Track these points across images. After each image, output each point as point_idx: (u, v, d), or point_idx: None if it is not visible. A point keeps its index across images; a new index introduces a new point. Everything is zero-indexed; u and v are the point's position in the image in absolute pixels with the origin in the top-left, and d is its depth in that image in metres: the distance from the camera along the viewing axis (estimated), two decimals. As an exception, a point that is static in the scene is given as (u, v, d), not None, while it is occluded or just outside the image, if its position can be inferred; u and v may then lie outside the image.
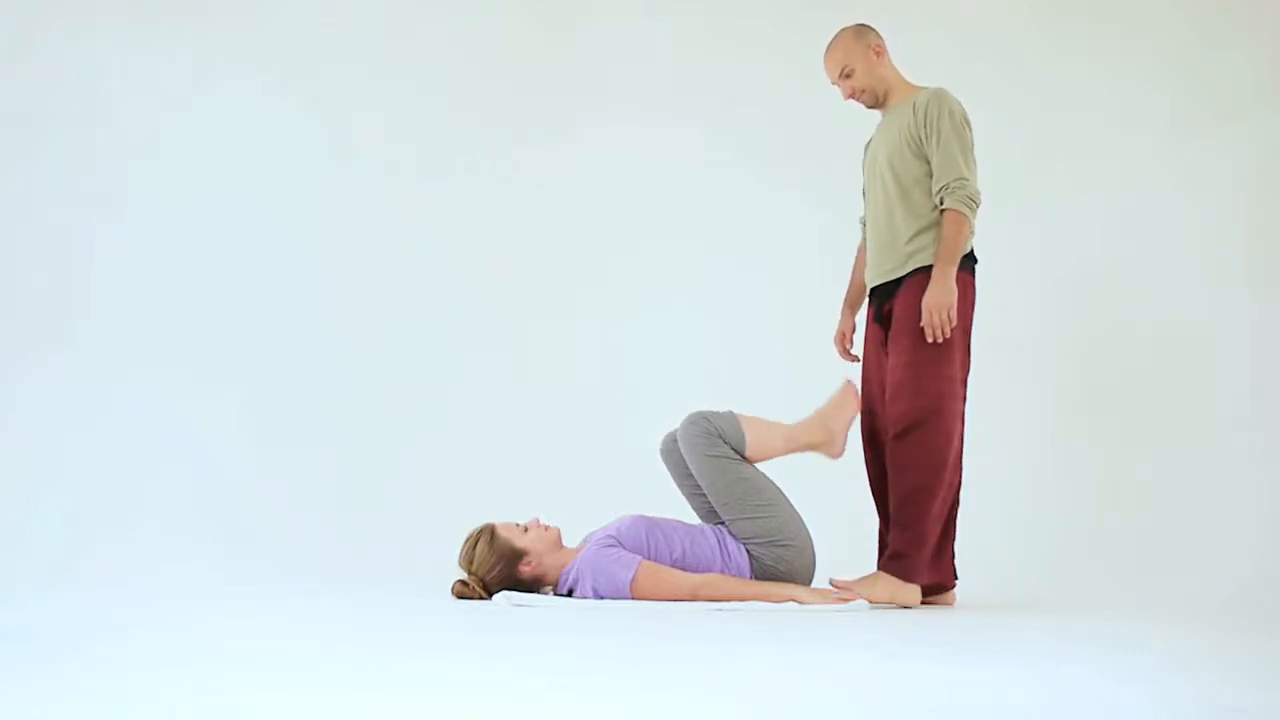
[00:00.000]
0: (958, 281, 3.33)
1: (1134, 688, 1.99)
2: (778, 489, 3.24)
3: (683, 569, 3.13)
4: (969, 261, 3.41)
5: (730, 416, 3.26)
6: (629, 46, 4.93)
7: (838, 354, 3.66)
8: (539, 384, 4.67)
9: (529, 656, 2.24)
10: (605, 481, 3.60)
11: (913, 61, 5.00)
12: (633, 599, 3.09)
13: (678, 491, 3.40)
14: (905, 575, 3.28)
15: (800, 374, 3.92)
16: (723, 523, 3.30)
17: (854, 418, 3.37)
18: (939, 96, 3.36)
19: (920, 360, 3.27)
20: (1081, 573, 4.05)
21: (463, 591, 3.17)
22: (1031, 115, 4.88)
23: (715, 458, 3.21)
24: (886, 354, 3.42)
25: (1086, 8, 4.93)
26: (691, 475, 3.30)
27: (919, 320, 3.28)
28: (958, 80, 4.93)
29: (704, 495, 3.29)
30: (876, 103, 3.57)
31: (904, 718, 1.78)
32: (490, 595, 3.15)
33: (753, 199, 4.81)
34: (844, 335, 3.67)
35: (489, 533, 3.18)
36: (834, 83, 3.58)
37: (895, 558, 3.29)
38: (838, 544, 3.67)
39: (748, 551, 3.17)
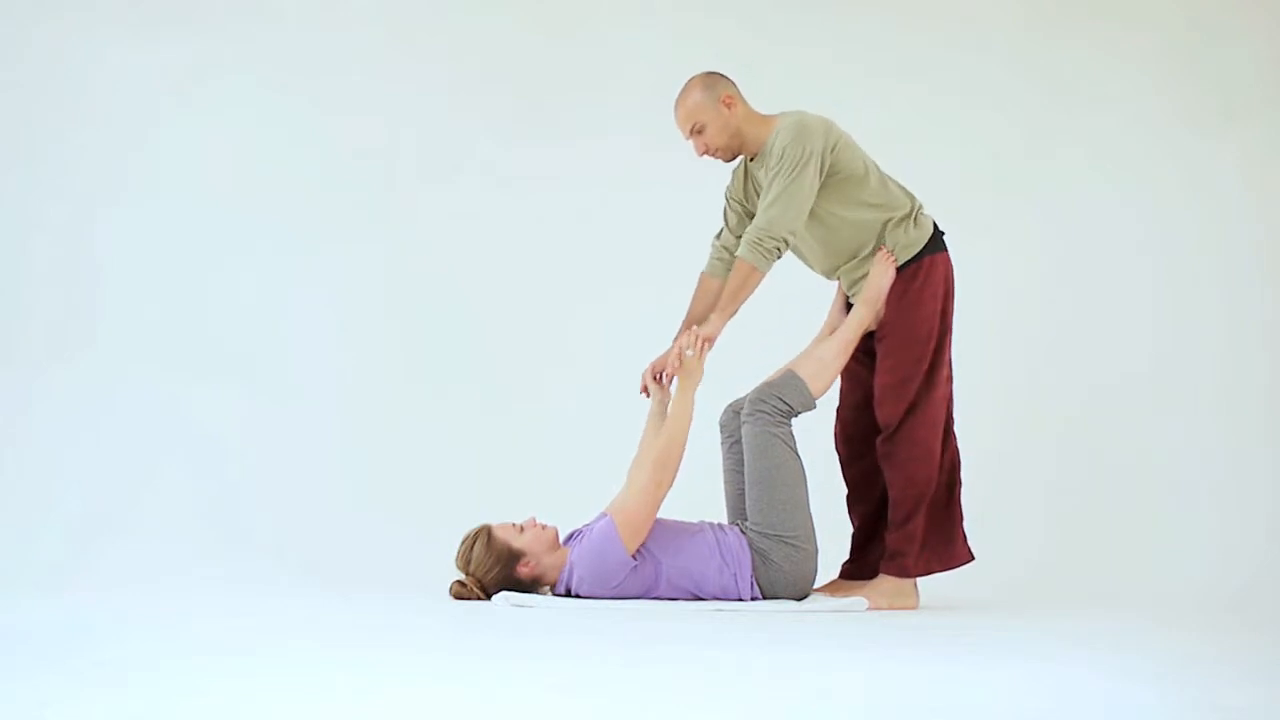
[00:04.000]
0: (932, 269, 3.30)
1: (1134, 688, 1.99)
2: (806, 493, 3.23)
3: (679, 568, 3.13)
4: (939, 244, 3.36)
5: (791, 378, 3.26)
6: (629, 47, 4.92)
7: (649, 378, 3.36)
8: (538, 384, 4.66)
9: (529, 657, 2.24)
10: (605, 481, 3.59)
11: (914, 60, 5.01)
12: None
13: (676, 491, 3.38)
14: (900, 572, 3.28)
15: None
16: (736, 515, 3.30)
17: (891, 276, 3.30)
18: (780, 138, 3.22)
19: (904, 363, 3.26)
20: (1081, 573, 4.04)
21: (461, 592, 3.17)
22: (1033, 114, 4.87)
23: (772, 435, 3.20)
24: (860, 356, 3.42)
25: (1088, 6, 4.93)
26: (738, 450, 3.31)
27: (901, 324, 3.27)
28: (959, 78, 4.96)
29: (742, 473, 3.30)
30: (734, 156, 3.34)
31: (904, 718, 1.78)
32: (489, 596, 3.15)
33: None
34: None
35: (485, 534, 3.18)
36: (685, 138, 3.34)
37: (894, 557, 3.29)
38: (837, 546, 3.66)
39: (750, 548, 3.16)
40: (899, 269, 3.32)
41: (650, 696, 1.89)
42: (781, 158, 3.19)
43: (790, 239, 3.20)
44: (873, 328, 3.36)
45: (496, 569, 3.14)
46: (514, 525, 3.20)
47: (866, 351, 3.41)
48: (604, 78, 4.89)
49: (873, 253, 3.34)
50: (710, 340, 3.21)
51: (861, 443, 3.45)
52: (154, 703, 1.79)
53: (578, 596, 3.13)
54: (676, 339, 3.28)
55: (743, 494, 3.29)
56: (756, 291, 3.28)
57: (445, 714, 1.76)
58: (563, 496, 3.49)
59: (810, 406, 3.28)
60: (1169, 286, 4.73)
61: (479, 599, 3.14)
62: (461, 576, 3.19)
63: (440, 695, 1.87)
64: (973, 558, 3.39)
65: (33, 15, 4.69)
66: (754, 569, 3.15)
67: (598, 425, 4.30)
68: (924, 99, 4.87)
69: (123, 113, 4.71)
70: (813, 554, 3.19)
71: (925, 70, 4.92)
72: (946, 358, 3.35)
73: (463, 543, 3.20)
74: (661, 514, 3.24)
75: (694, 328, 3.23)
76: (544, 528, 3.21)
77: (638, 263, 4.71)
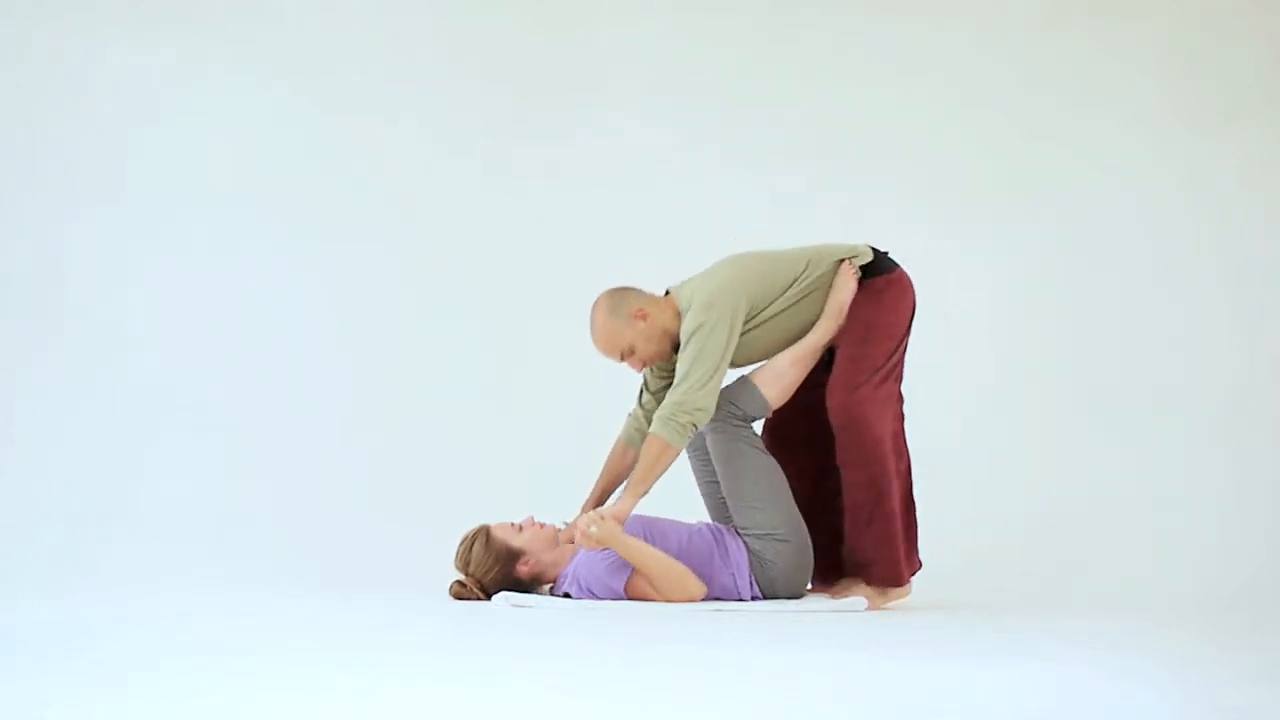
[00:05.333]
0: (900, 281, 3.27)
1: (1134, 688, 1.99)
2: (785, 486, 3.23)
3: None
4: (889, 263, 3.30)
5: (744, 384, 3.25)
6: (628, 47, 4.92)
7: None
8: (537, 383, 4.66)
9: (529, 657, 2.24)
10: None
11: (914, 59, 5.01)
12: (629, 599, 3.09)
13: (674, 490, 3.39)
14: (887, 582, 3.24)
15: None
16: (722, 522, 3.29)
17: (854, 289, 3.26)
18: (689, 319, 3.16)
19: (865, 356, 3.20)
20: (1080, 573, 4.04)
21: (460, 592, 3.17)
22: (1033, 113, 4.87)
23: (734, 440, 3.21)
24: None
25: (1088, 5, 4.93)
26: (707, 459, 3.30)
27: (872, 323, 3.21)
28: (959, 77, 4.96)
29: (719, 484, 3.29)
30: (676, 348, 3.22)
31: (904, 718, 1.78)
32: (489, 596, 3.15)
33: (753, 199, 4.81)
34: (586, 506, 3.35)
35: (484, 534, 3.18)
36: (618, 363, 3.29)
37: (865, 566, 3.24)
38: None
39: (746, 548, 3.16)
40: (867, 279, 3.27)
41: (650, 696, 1.89)
42: (691, 336, 3.13)
43: (704, 415, 3.09)
44: (834, 340, 3.29)
45: (496, 569, 3.14)
46: (512, 525, 3.20)
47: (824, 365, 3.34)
48: (604, 77, 4.89)
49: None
50: (619, 520, 3.06)
51: (794, 441, 3.38)
52: (154, 703, 1.79)
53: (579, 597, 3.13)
54: (578, 518, 3.11)
55: (723, 503, 3.28)
56: None
57: (445, 714, 1.76)
58: (562, 496, 3.48)
59: (765, 413, 3.26)
60: (1169, 286, 4.73)
61: (479, 599, 3.14)
62: (461, 577, 3.19)
63: (440, 695, 1.87)
64: (921, 565, 3.35)
65: (33, 15, 4.69)
66: (752, 568, 3.15)
67: (597, 425, 4.29)
68: (924, 98, 4.87)
69: (122, 112, 4.71)
70: (803, 544, 3.19)
71: (925, 69, 4.91)
72: (901, 369, 3.30)
73: (461, 543, 3.20)
74: (659, 514, 3.24)
75: (594, 511, 3.06)
76: (542, 526, 3.21)
77: (638, 262, 4.69)
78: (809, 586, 3.31)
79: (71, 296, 4.58)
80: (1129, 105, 4.84)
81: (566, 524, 3.24)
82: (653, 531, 3.17)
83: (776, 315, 3.25)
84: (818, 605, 3.16)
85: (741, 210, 4.74)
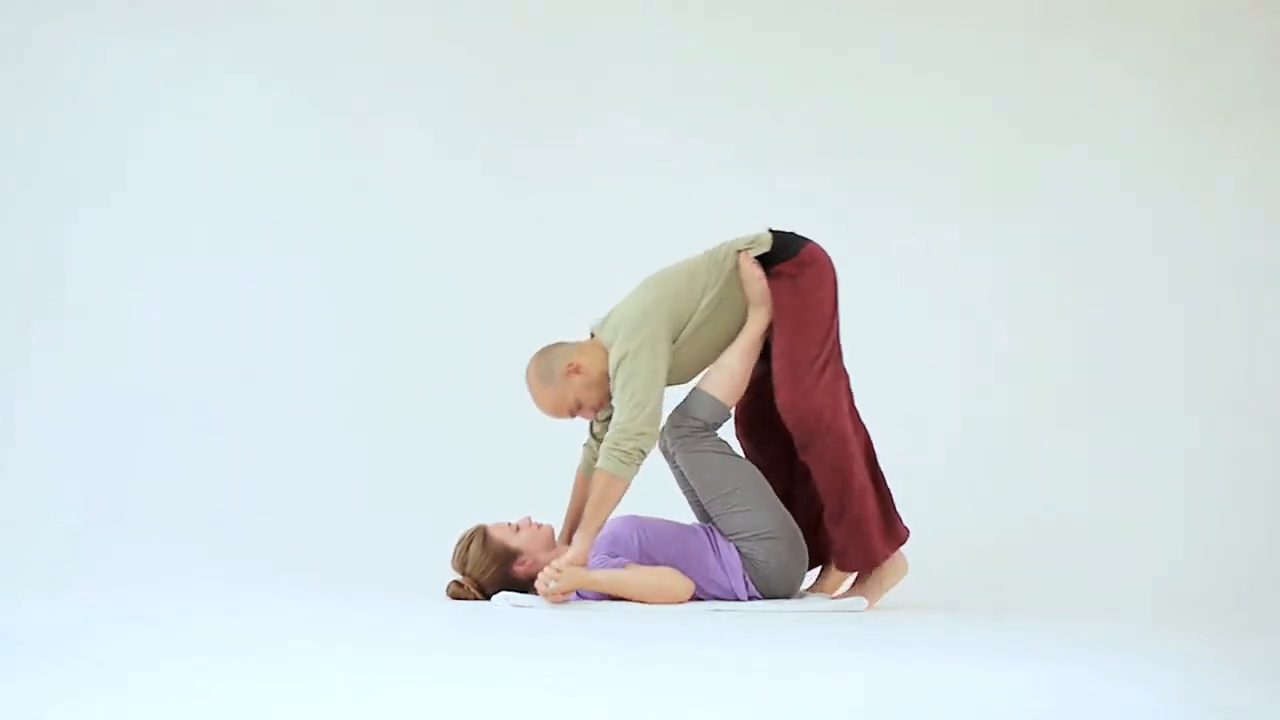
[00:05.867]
0: (815, 255, 3.24)
1: (1134, 688, 1.99)
2: (763, 484, 3.22)
3: (677, 568, 3.13)
4: (796, 242, 3.27)
5: (695, 394, 3.24)
6: (628, 47, 4.92)
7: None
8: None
9: (529, 657, 2.24)
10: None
11: (914, 58, 5.01)
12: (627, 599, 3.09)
13: (670, 490, 3.39)
14: (863, 565, 3.24)
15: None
16: (714, 525, 3.29)
17: (760, 275, 3.22)
18: (613, 353, 3.16)
19: (801, 344, 3.18)
20: (1080, 574, 4.04)
21: (458, 593, 3.17)
22: (1034, 113, 4.87)
23: (699, 453, 3.20)
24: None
25: (1089, 5, 4.93)
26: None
27: (797, 307, 3.19)
28: (960, 77, 4.96)
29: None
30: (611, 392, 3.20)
31: (904, 718, 1.78)
32: (486, 596, 3.15)
33: (753, 199, 4.81)
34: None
35: (481, 534, 3.18)
36: (573, 418, 3.30)
37: (841, 555, 3.24)
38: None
39: (737, 549, 3.16)
40: (777, 265, 3.24)
41: (650, 696, 1.89)
42: (618, 367, 3.12)
43: (648, 439, 3.06)
44: (767, 318, 3.26)
45: (493, 569, 3.14)
46: (509, 525, 3.21)
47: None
48: (604, 77, 4.89)
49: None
50: (579, 563, 3.04)
51: (762, 429, 3.38)
52: (154, 703, 1.79)
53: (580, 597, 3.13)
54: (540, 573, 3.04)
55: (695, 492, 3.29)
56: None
57: (445, 714, 1.76)
58: (560, 496, 3.49)
59: (724, 416, 3.25)
60: (1169, 286, 4.73)
61: (476, 599, 3.15)
62: (458, 577, 3.19)
63: (440, 695, 1.87)
64: (909, 533, 3.31)
65: (33, 15, 4.69)
66: (745, 569, 3.15)
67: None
68: (924, 98, 4.87)
69: (122, 112, 4.71)
70: (792, 540, 3.18)
71: (925, 69, 4.91)
72: (839, 348, 3.29)
73: (458, 544, 3.20)
74: (659, 515, 3.25)
75: (549, 567, 3.00)
76: (539, 526, 3.22)
77: (638, 262, 4.69)
78: (805, 587, 3.31)
79: (71, 296, 4.59)
80: (1129, 105, 4.84)
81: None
82: (646, 531, 3.17)
83: (702, 325, 3.23)
84: (817, 605, 3.16)
85: (741, 210, 4.73)
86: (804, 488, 3.36)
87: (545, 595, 3.00)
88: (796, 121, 4.87)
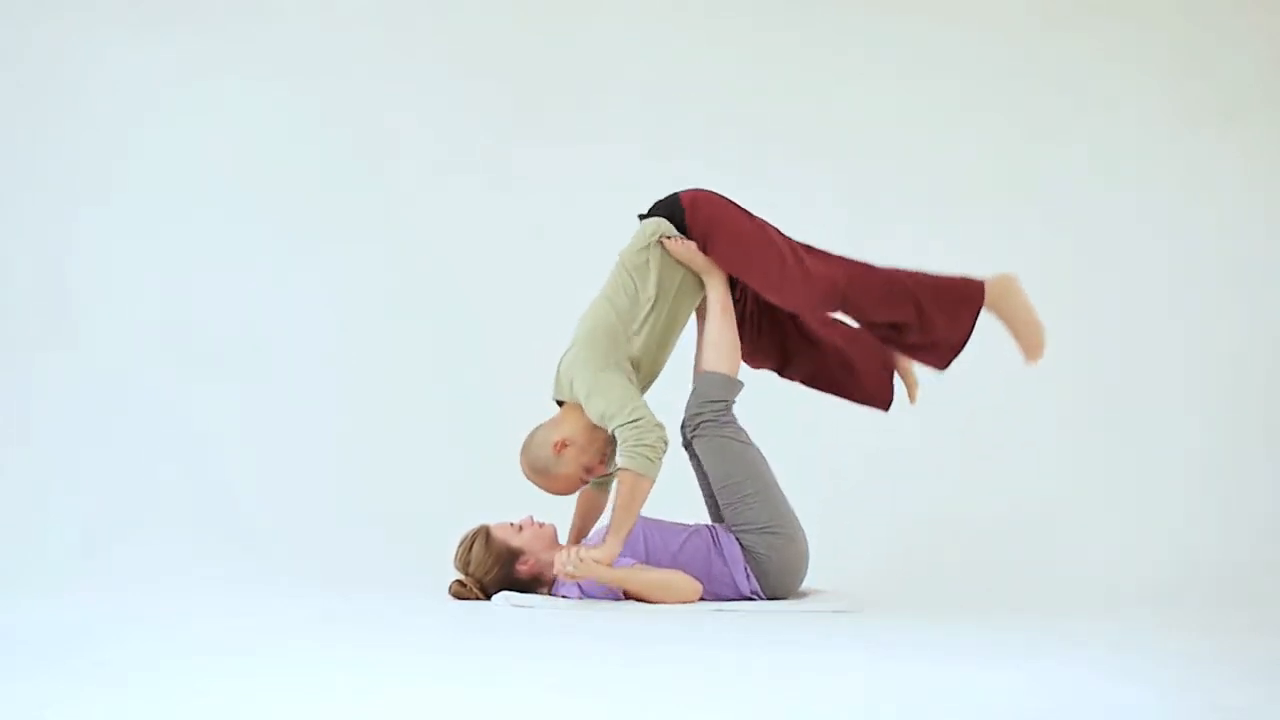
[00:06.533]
0: (694, 201, 3.28)
1: (1134, 688, 1.99)
2: (774, 480, 3.23)
3: (679, 568, 3.13)
4: (676, 207, 3.29)
5: (701, 378, 3.26)
6: (628, 48, 4.92)
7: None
8: (537, 384, 4.65)
9: (529, 657, 2.24)
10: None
11: (914, 58, 5.00)
12: (628, 599, 3.09)
13: (674, 490, 3.39)
14: (971, 315, 3.42)
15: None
16: (718, 521, 3.29)
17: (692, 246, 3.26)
18: (581, 398, 3.15)
19: (758, 263, 3.24)
20: (1079, 573, 4.04)
21: (460, 592, 3.17)
22: (1033, 113, 4.87)
23: (719, 439, 3.21)
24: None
25: (1089, 5, 4.93)
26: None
27: (726, 251, 3.23)
28: (960, 77, 4.95)
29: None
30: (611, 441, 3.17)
31: (904, 718, 1.78)
32: (489, 596, 3.15)
33: (752, 200, 4.79)
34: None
35: (484, 534, 3.18)
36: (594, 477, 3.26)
37: (939, 344, 3.44)
38: (838, 546, 3.66)
39: (739, 543, 3.16)
40: (681, 229, 3.27)
41: (650, 696, 1.89)
42: (588, 401, 3.11)
43: (661, 433, 3.05)
44: (724, 279, 3.30)
45: (496, 569, 3.14)
46: (511, 524, 3.21)
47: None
48: (604, 78, 4.89)
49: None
50: (607, 563, 3.02)
51: (779, 346, 3.44)
52: (154, 703, 1.79)
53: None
54: (559, 553, 3.08)
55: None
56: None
57: (445, 714, 1.77)
58: (560, 496, 3.48)
59: (738, 386, 3.27)
60: (1170, 286, 4.73)
61: (479, 599, 3.15)
62: (461, 577, 3.19)
63: (440, 695, 1.87)
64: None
65: (33, 15, 4.69)
66: (748, 565, 3.16)
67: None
68: (924, 98, 4.87)
69: (122, 112, 4.70)
70: (797, 536, 3.19)
71: (925, 69, 4.91)
72: (782, 236, 3.31)
73: (461, 544, 3.20)
74: (660, 515, 3.25)
75: (573, 549, 3.02)
76: (541, 526, 3.22)
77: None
78: (801, 588, 3.31)
79: (71, 296, 4.58)
80: (1129, 105, 4.84)
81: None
82: (653, 532, 3.18)
83: (656, 325, 3.24)
84: (818, 605, 3.16)
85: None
86: (812, 348, 3.44)
87: (560, 572, 3.02)
88: (796, 121, 4.87)
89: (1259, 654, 2.57)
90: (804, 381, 3.52)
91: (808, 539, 3.25)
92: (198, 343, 4.57)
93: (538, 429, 3.25)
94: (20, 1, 4.69)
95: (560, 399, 3.29)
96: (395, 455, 4.49)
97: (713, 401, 3.23)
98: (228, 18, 4.79)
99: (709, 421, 3.23)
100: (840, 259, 3.36)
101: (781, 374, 3.51)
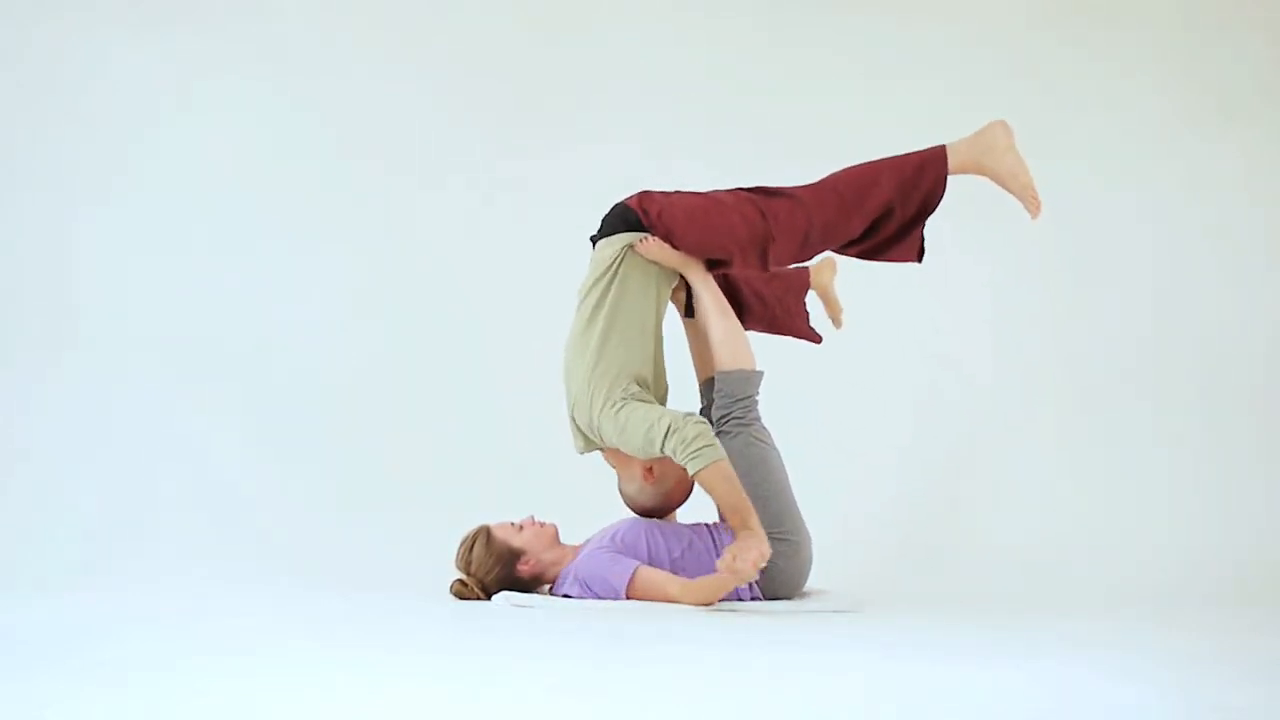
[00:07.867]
0: (643, 198, 3.31)
1: (1134, 688, 1.99)
2: (787, 483, 3.24)
3: (680, 571, 3.13)
4: (629, 214, 3.31)
5: (724, 379, 3.28)
6: (628, 48, 4.92)
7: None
8: (536, 384, 4.66)
9: (529, 657, 2.24)
10: (603, 479, 3.59)
11: (913, 59, 5.01)
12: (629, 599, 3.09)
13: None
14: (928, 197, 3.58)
15: (793, 370, 3.91)
16: (717, 523, 3.29)
17: (662, 244, 3.29)
18: (608, 437, 3.16)
19: (729, 240, 3.28)
20: (1080, 573, 4.05)
21: (461, 591, 3.17)
22: (1032, 114, 4.86)
23: (740, 437, 3.22)
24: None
25: (1088, 6, 4.93)
26: None
27: (695, 241, 3.25)
28: (959, 78, 4.95)
29: None
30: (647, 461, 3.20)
31: (904, 718, 1.78)
32: (489, 596, 3.15)
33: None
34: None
35: (485, 534, 3.18)
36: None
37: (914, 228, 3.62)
38: (844, 549, 3.66)
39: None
40: (642, 231, 3.28)
41: (650, 696, 1.89)
42: (624, 435, 3.10)
43: (700, 425, 3.02)
44: (703, 270, 3.33)
45: (497, 569, 3.14)
46: (512, 524, 3.21)
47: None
48: (604, 79, 4.89)
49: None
50: (763, 550, 2.95)
51: (735, 304, 3.46)
52: (154, 703, 1.79)
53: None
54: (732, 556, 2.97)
55: None
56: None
57: (445, 714, 1.77)
58: (561, 496, 3.49)
59: (759, 376, 3.30)
60: (1169, 286, 4.73)
61: (479, 599, 3.15)
62: (462, 576, 3.19)
63: (440, 695, 1.87)
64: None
65: (33, 15, 4.69)
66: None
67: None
68: (922, 98, 4.87)
69: (123, 113, 4.71)
70: (804, 544, 3.20)
71: (924, 70, 4.92)
72: (727, 193, 3.32)
73: (462, 544, 3.20)
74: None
75: (737, 553, 2.92)
76: (542, 526, 3.22)
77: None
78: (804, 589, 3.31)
79: (72, 296, 4.58)
80: (1128, 105, 4.84)
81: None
82: (655, 534, 3.17)
83: (629, 336, 3.23)
84: (818, 605, 3.16)
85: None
86: (760, 300, 3.55)
87: (738, 581, 2.97)
88: (796, 121, 4.87)
89: (1259, 654, 2.57)
90: (765, 330, 3.60)
91: (812, 542, 3.25)
92: (197, 342, 4.57)
93: (621, 484, 3.28)
94: (20, 1, 4.69)
95: (600, 449, 3.27)
96: (395, 455, 4.49)
97: (740, 400, 3.26)
98: (228, 18, 4.80)
99: (737, 419, 3.25)
100: (796, 198, 3.34)
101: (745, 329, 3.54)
